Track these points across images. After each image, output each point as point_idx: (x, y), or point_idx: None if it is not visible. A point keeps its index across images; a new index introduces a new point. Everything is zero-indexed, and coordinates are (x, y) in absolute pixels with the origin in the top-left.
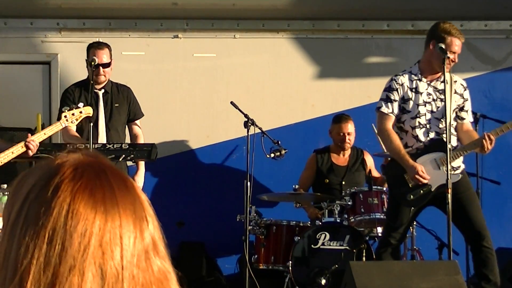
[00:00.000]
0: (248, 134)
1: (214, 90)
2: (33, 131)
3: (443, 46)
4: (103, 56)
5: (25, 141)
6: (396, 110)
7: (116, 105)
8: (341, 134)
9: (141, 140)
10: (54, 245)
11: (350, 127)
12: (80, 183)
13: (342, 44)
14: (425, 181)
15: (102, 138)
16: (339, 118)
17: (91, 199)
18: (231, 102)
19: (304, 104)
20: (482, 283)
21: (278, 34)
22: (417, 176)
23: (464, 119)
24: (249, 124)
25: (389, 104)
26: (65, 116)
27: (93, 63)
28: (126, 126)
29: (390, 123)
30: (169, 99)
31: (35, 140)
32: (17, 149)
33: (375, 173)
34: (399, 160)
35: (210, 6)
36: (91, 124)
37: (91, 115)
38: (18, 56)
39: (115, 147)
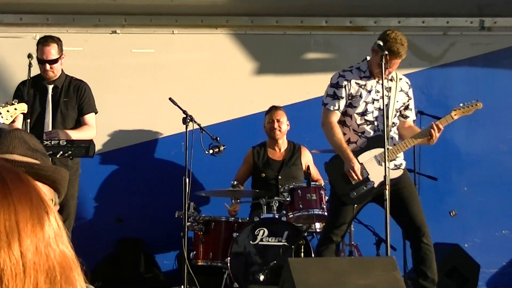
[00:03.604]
0: (186, 130)
1: (153, 86)
2: None
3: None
4: (50, 52)
5: None
6: (342, 107)
7: (64, 100)
8: (270, 121)
9: (85, 135)
10: None
11: (280, 114)
12: None
13: (280, 40)
14: (356, 179)
15: None
16: (269, 108)
17: None
18: (170, 98)
19: (242, 100)
20: (420, 279)
21: (216, 30)
22: (350, 171)
23: (408, 117)
24: (188, 120)
25: (335, 101)
26: (0, 113)
27: (30, 59)
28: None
29: (335, 118)
30: (107, 95)
31: None
32: None
33: (313, 169)
34: (340, 153)
35: (148, 1)
36: (28, 120)
37: (25, 111)
38: None
39: (52, 143)
